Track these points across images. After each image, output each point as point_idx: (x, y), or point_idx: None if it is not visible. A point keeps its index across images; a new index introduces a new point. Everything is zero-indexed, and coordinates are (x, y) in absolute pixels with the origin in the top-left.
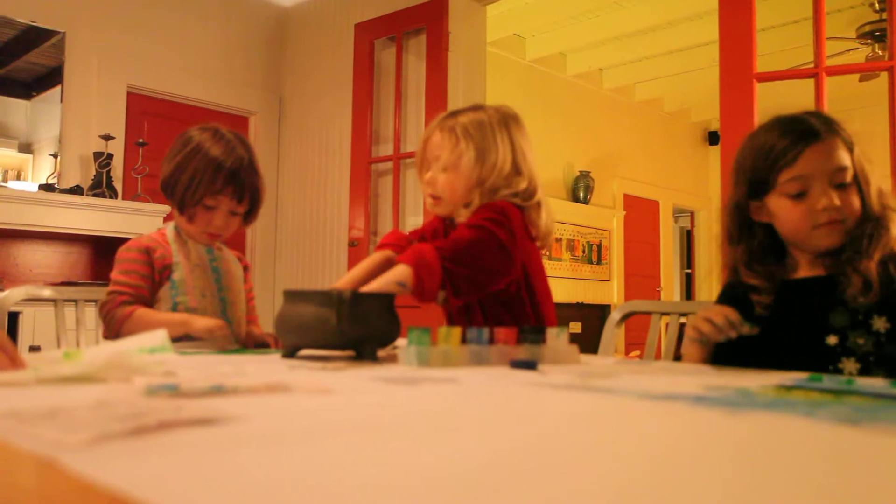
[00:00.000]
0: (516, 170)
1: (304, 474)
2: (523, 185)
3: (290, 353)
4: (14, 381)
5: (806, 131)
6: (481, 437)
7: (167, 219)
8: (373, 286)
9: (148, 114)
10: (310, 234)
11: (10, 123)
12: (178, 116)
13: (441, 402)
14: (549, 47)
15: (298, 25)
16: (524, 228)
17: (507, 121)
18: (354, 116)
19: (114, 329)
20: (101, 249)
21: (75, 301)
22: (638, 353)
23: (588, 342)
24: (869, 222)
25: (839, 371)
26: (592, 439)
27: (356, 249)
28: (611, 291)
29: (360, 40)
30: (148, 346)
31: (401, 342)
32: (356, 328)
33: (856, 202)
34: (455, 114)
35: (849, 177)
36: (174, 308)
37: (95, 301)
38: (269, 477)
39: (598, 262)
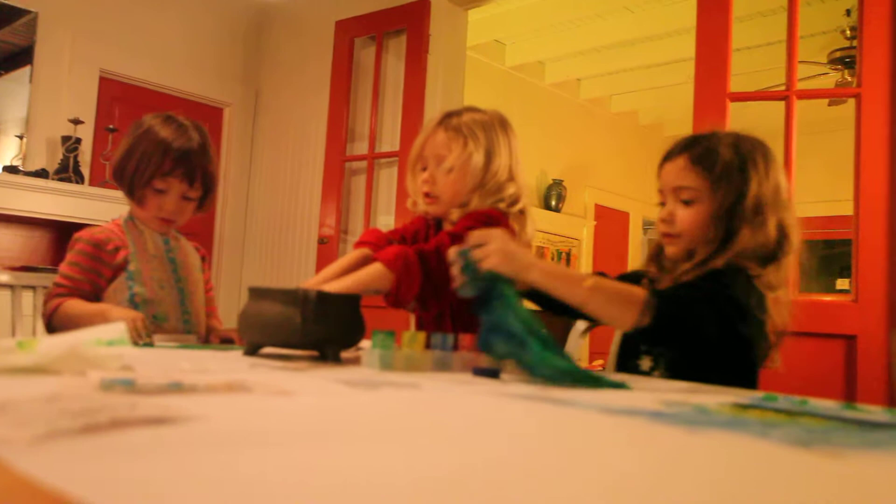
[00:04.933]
0: (510, 175)
1: (256, 479)
2: (512, 190)
3: (252, 351)
4: None
5: (668, 150)
6: (438, 449)
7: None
8: (346, 283)
9: (120, 100)
10: (279, 230)
11: None
12: (150, 104)
13: (400, 408)
14: (528, 55)
15: (278, 19)
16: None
17: (505, 125)
18: (331, 113)
19: (45, 322)
20: (65, 235)
21: (33, 287)
22: (602, 362)
23: None
24: (712, 245)
25: (638, 367)
26: (551, 455)
27: (326, 247)
28: None
29: (340, 38)
30: (105, 338)
31: (365, 344)
32: (320, 328)
33: (696, 219)
34: (456, 113)
35: (690, 195)
36: (131, 299)
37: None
38: (220, 481)
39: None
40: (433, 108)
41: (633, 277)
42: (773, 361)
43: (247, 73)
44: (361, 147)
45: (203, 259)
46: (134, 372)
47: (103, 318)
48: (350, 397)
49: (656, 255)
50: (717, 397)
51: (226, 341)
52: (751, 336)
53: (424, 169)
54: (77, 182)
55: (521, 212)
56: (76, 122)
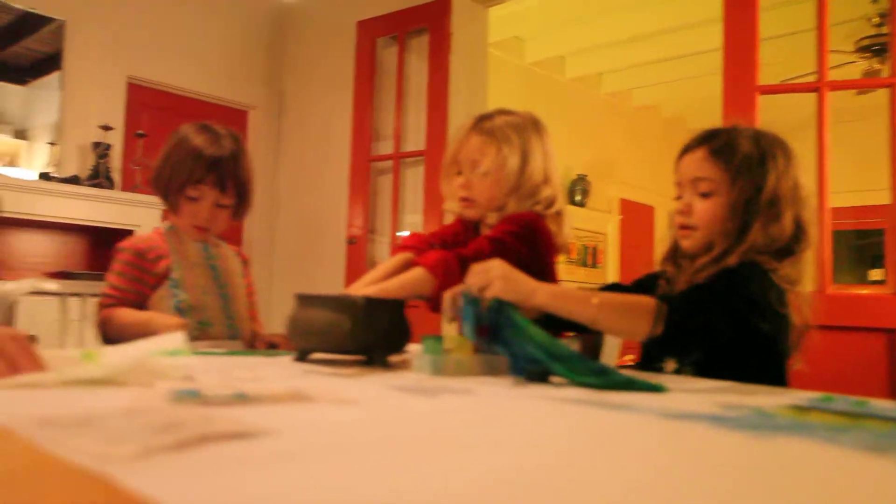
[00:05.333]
0: (546, 177)
1: (347, 493)
2: (548, 192)
3: (302, 357)
4: (38, 383)
5: (686, 143)
6: (510, 457)
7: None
8: (389, 288)
9: (147, 105)
10: (308, 231)
11: (5, 109)
12: (177, 109)
13: (461, 416)
14: (548, 50)
15: (299, 21)
16: (548, 241)
17: (538, 126)
18: (355, 114)
19: (97, 331)
20: (98, 239)
21: (80, 294)
22: (632, 356)
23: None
24: (729, 238)
25: (662, 370)
26: (616, 463)
27: (355, 247)
28: None
29: (361, 38)
30: (166, 348)
31: (411, 348)
32: (369, 334)
33: (713, 211)
34: (489, 117)
35: (708, 187)
36: (177, 306)
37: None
38: (316, 496)
39: (594, 265)
40: (457, 107)
41: (651, 279)
42: (795, 361)
43: (271, 76)
44: (386, 147)
45: (244, 263)
46: (196, 382)
47: (148, 327)
48: (412, 405)
49: (672, 253)
50: (772, 398)
51: (272, 346)
52: (772, 331)
53: (459, 173)
54: (108, 187)
55: (558, 213)
56: (106, 128)
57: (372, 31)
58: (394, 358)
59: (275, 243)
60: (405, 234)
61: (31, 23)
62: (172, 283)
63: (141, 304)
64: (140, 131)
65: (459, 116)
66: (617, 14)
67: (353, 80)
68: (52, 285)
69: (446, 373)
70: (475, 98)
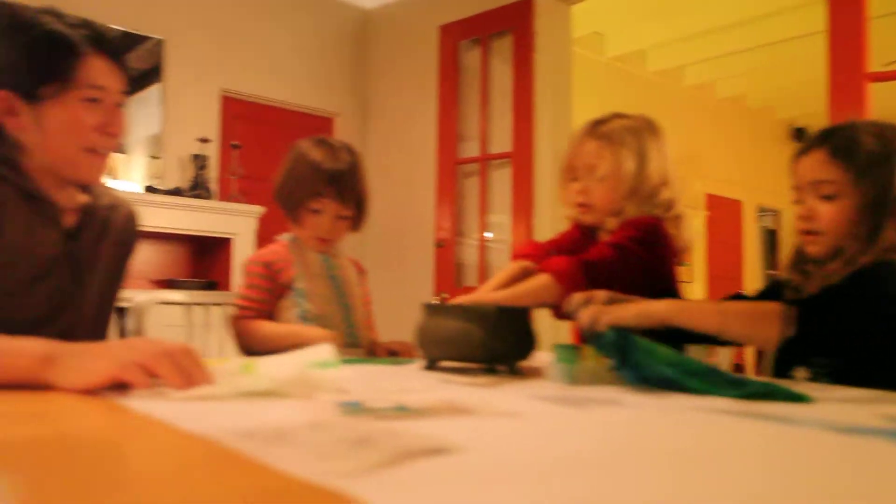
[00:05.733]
0: (664, 180)
1: None
2: (666, 195)
3: (431, 365)
4: (213, 395)
5: (803, 144)
6: (689, 476)
7: (262, 219)
8: (514, 296)
9: (240, 117)
10: (396, 235)
11: None
12: (267, 119)
13: (629, 430)
14: (628, 44)
15: (382, 27)
16: (669, 245)
17: (654, 129)
18: (440, 118)
19: (237, 342)
20: (197, 248)
21: (203, 304)
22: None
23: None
24: (858, 241)
25: (793, 379)
26: (809, 486)
27: (443, 250)
28: (694, 293)
29: (444, 42)
30: (318, 360)
31: (539, 356)
32: (500, 343)
33: (839, 215)
34: (604, 121)
35: (831, 190)
36: (302, 315)
37: (217, 304)
38: None
39: (681, 263)
40: (543, 107)
41: (775, 288)
42: None
43: (354, 83)
44: (471, 149)
45: (360, 273)
46: (350, 393)
47: (295, 339)
48: (572, 418)
49: (797, 260)
50: None
51: (392, 354)
52: None
53: (575, 179)
54: (206, 198)
55: (678, 217)
56: (204, 140)
57: (454, 35)
58: (520, 365)
59: (364, 248)
60: (489, 235)
61: (130, 41)
62: (297, 294)
63: (271, 315)
64: (235, 142)
65: (546, 117)
66: (699, 4)
67: (437, 84)
68: (176, 296)
69: (581, 381)
70: (560, 97)
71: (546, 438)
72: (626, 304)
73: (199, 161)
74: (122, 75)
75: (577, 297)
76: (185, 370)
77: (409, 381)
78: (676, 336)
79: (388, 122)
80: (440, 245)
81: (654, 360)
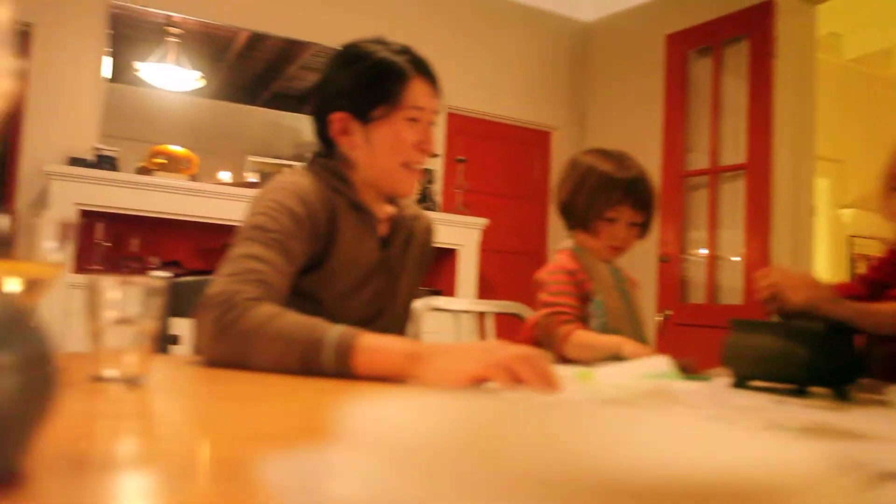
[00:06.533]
0: None
1: None
2: None
3: (740, 383)
4: (575, 400)
5: None
6: None
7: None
8: (862, 311)
9: (462, 132)
10: None
11: None
12: (488, 134)
13: None
14: (870, 44)
15: (601, 40)
16: None
17: None
18: (665, 129)
19: (555, 347)
20: None
21: (469, 312)
22: None
23: None
24: None
25: None
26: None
27: (667, 265)
28: None
29: (672, 52)
30: (657, 372)
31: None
32: (829, 364)
33: None
34: None
35: None
36: (601, 328)
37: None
38: None
39: None
40: (782, 115)
41: None
42: None
43: (572, 96)
44: (698, 161)
45: (633, 286)
46: (700, 408)
47: (616, 351)
48: None
49: None
50: None
51: (682, 369)
52: None
53: None
54: (432, 209)
55: None
56: (433, 155)
57: (683, 44)
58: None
59: None
60: (703, 251)
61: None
62: (596, 306)
63: (584, 321)
64: (460, 157)
65: (786, 125)
66: None
67: (664, 95)
68: (443, 301)
69: None
70: (803, 105)
71: None
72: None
73: (427, 175)
74: (437, 96)
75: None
76: (544, 373)
77: (744, 400)
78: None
79: (606, 134)
80: (664, 260)
81: None
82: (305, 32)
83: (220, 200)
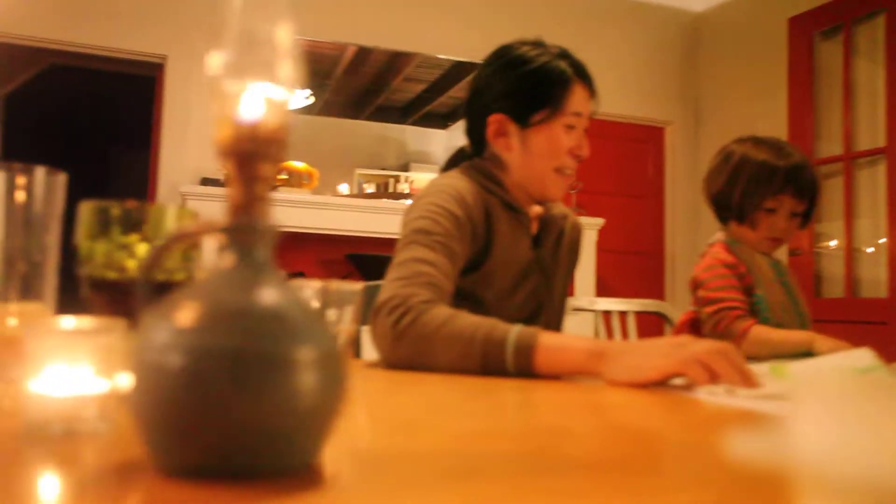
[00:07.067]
0: None
1: None
2: None
3: None
4: (778, 395)
5: None
6: None
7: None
8: None
9: None
10: None
11: (432, 151)
12: (600, 132)
13: None
14: None
15: (714, 30)
16: None
17: None
18: (791, 117)
19: (737, 344)
20: None
21: (620, 311)
22: None
23: None
24: None
25: None
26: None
27: (799, 259)
28: None
29: (795, 35)
30: (860, 366)
31: None
32: None
33: None
34: None
35: None
36: (764, 324)
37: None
38: None
39: None
40: None
41: None
42: None
43: (685, 89)
44: (827, 149)
45: None
46: None
47: (807, 347)
48: None
49: None
50: None
51: None
52: None
53: None
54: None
55: None
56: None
57: (809, 26)
58: None
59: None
60: (831, 243)
61: (454, 73)
62: (758, 300)
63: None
64: None
65: None
66: None
67: (788, 81)
68: (585, 301)
69: None
70: None
71: None
72: None
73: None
74: (593, 101)
75: None
76: (741, 368)
77: None
78: None
79: (723, 127)
80: (795, 253)
81: None
82: (410, 43)
83: (339, 212)
